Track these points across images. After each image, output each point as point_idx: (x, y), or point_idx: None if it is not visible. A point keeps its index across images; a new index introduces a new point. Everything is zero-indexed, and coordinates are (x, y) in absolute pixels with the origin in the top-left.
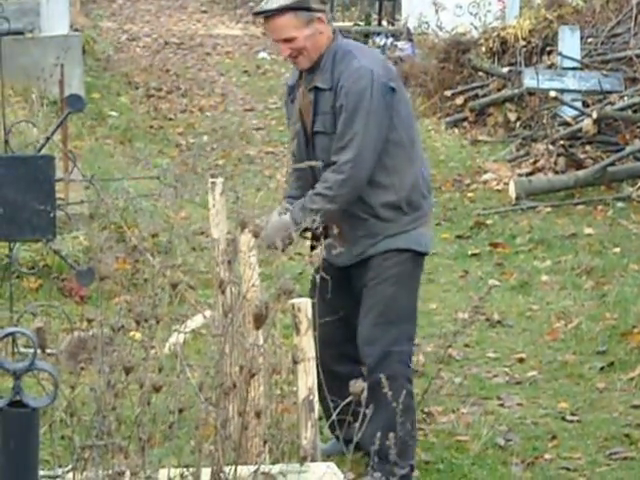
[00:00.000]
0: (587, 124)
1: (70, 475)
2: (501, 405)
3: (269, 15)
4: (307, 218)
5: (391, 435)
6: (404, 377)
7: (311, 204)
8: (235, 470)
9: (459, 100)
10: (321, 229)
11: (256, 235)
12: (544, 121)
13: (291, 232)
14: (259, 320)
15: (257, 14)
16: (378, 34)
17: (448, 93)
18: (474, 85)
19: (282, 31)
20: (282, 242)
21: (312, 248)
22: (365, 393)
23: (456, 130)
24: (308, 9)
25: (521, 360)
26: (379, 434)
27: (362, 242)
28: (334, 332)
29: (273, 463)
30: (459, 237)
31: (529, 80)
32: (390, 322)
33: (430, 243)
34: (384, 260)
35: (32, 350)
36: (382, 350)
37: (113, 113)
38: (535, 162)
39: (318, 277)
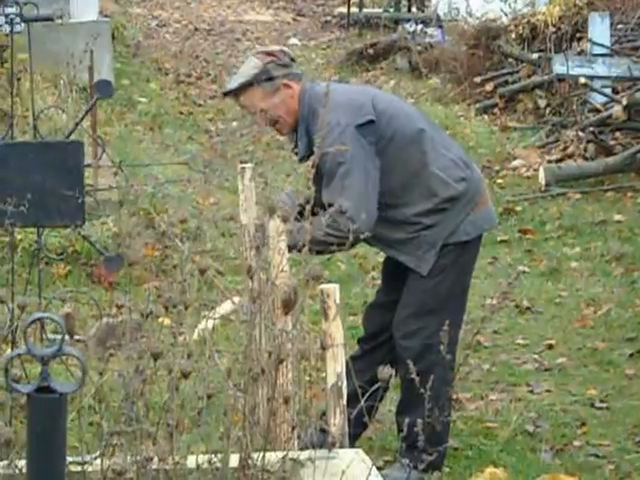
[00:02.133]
0: (617, 111)
1: (98, 461)
2: (530, 392)
3: (235, 93)
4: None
5: (423, 424)
6: (443, 367)
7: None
8: (263, 456)
9: (489, 86)
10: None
11: (285, 220)
12: (574, 108)
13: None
14: (288, 305)
15: (225, 94)
16: (408, 20)
17: (478, 79)
18: (504, 71)
19: (251, 106)
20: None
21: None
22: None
23: (486, 116)
24: (270, 79)
25: (550, 347)
26: (412, 422)
27: (426, 258)
28: (388, 315)
29: (301, 449)
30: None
31: (559, 67)
32: (430, 312)
33: (483, 223)
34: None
35: (60, 336)
36: (421, 343)
37: (142, 99)
38: (565, 149)
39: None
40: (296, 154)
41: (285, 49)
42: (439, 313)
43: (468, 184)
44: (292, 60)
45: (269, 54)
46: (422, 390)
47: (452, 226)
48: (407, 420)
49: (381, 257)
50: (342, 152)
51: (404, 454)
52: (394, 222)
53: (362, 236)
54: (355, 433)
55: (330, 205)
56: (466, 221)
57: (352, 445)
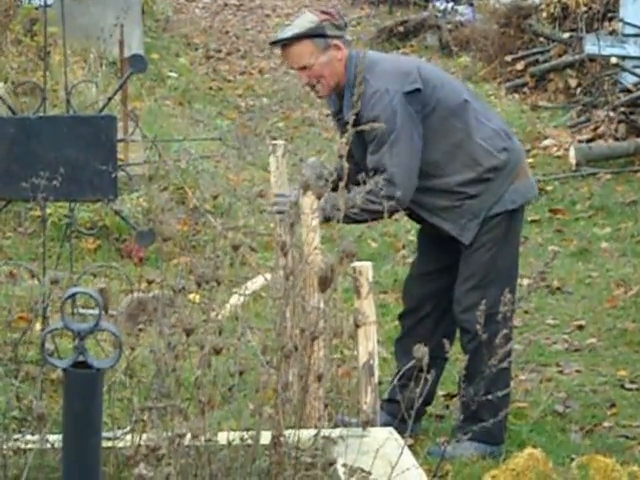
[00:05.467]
0: None
1: (129, 437)
2: (560, 372)
3: (285, 44)
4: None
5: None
6: (506, 336)
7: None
8: (296, 434)
9: (519, 65)
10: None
11: (319, 197)
12: (605, 88)
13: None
14: (325, 283)
15: (273, 43)
16: None
17: (508, 58)
18: (535, 50)
19: (298, 59)
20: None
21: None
22: (426, 359)
23: (516, 95)
24: (324, 36)
25: (580, 327)
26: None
27: (469, 227)
28: (430, 286)
29: (333, 427)
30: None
31: (590, 46)
32: (490, 283)
33: (528, 191)
34: (479, 228)
35: (91, 311)
36: (484, 314)
37: (172, 74)
38: (595, 128)
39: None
40: (338, 119)
41: (341, 12)
42: (498, 283)
43: (510, 154)
44: (345, 25)
45: (326, 12)
46: (485, 360)
47: (495, 196)
48: (470, 390)
49: (412, 235)
50: (392, 119)
51: (464, 425)
52: (438, 191)
53: (402, 205)
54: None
55: (375, 171)
56: (510, 190)
57: (419, 422)
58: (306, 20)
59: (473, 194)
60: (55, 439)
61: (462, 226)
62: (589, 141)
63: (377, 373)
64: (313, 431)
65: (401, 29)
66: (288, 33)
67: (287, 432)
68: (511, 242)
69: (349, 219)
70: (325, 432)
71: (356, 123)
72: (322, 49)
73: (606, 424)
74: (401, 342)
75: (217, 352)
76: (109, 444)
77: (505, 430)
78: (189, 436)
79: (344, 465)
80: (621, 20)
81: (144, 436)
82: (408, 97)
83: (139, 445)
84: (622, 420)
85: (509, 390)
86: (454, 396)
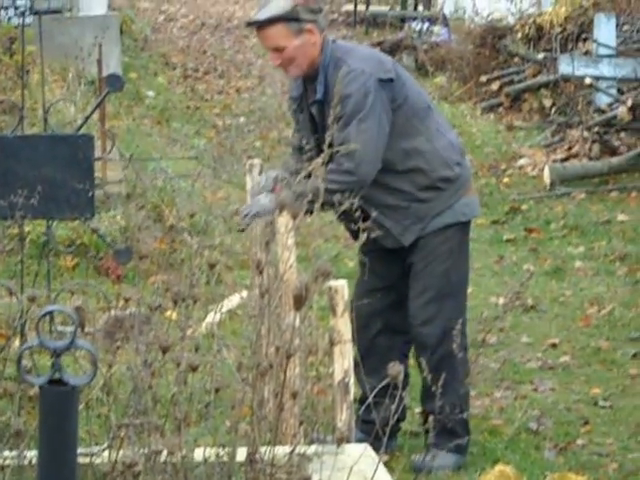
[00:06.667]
0: (622, 111)
1: (106, 453)
2: (534, 390)
3: (260, 25)
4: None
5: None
6: (464, 349)
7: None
8: (271, 450)
9: (495, 85)
10: (360, 213)
11: (294, 217)
12: (579, 108)
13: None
14: (299, 301)
15: (249, 25)
16: (414, 19)
17: (484, 78)
18: (510, 71)
19: (272, 41)
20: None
21: (352, 232)
22: (402, 376)
23: (492, 115)
24: (297, 20)
25: (554, 345)
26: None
27: (412, 229)
28: (378, 303)
29: (309, 444)
30: (494, 222)
31: (564, 67)
32: (446, 296)
33: (475, 207)
34: (432, 239)
35: (69, 328)
36: (442, 328)
37: (150, 93)
38: (570, 148)
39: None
40: (298, 105)
41: None
42: (453, 296)
43: (462, 170)
44: (320, 10)
45: None
46: (449, 373)
47: (444, 205)
48: (442, 405)
49: None
50: (364, 99)
51: (438, 439)
52: (389, 187)
53: (362, 181)
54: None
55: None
56: (461, 202)
57: (394, 438)
58: (280, 3)
59: (422, 199)
60: (33, 455)
61: (405, 227)
62: (563, 161)
63: (352, 391)
64: (288, 448)
65: (378, 49)
66: (262, 16)
67: (263, 449)
68: (464, 256)
69: (321, 205)
70: (300, 449)
71: (326, 104)
72: (295, 33)
73: (579, 442)
74: (362, 363)
75: (193, 369)
76: (86, 460)
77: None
78: (165, 452)
79: None
80: (595, 41)
81: (121, 452)
82: (382, 84)
83: (116, 461)
84: (595, 438)
85: (468, 392)
86: (430, 413)
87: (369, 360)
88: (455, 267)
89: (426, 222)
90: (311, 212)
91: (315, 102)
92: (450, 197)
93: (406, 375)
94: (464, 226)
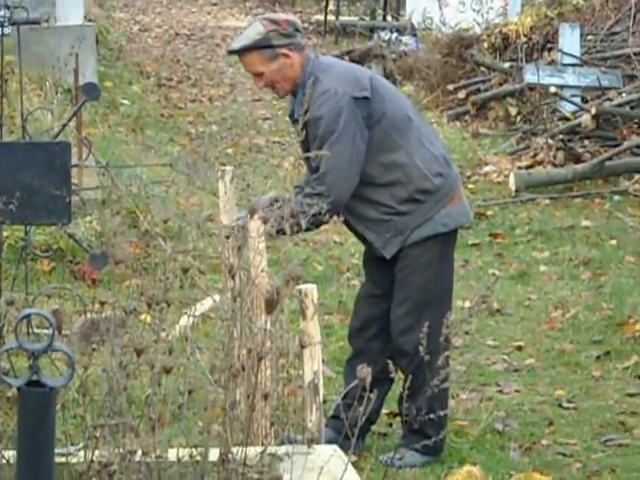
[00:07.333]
0: (586, 119)
1: (82, 453)
2: (500, 392)
3: (237, 53)
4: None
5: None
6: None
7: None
8: (243, 451)
9: (461, 94)
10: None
11: (265, 222)
12: (544, 116)
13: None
14: (271, 305)
15: (229, 53)
16: (383, 29)
17: (451, 87)
18: (476, 80)
19: (250, 67)
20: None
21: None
22: (369, 378)
23: (458, 123)
24: (271, 46)
25: (519, 348)
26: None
27: (393, 242)
28: (376, 308)
29: (280, 444)
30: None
31: (530, 76)
32: (425, 306)
33: (460, 216)
34: (412, 250)
35: (46, 331)
36: (420, 336)
37: (125, 101)
38: (535, 155)
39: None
40: (292, 118)
41: (291, 19)
42: (433, 306)
43: (444, 180)
44: (297, 30)
45: (274, 22)
46: (425, 379)
47: (423, 218)
48: (413, 407)
49: (356, 259)
50: (336, 120)
51: (408, 440)
52: (369, 200)
53: (335, 205)
54: (363, 429)
55: (317, 169)
56: (442, 213)
57: (362, 439)
58: (253, 32)
59: (402, 211)
60: (11, 455)
61: (386, 240)
62: (528, 168)
63: (322, 392)
64: (260, 448)
65: (347, 58)
66: (237, 45)
67: (235, 449)
68: (445, 266)
69: (297, 226)
70: (271, 449)
71: (306, 123)
72: (270, 58)
73: (544, 442)
74: (351, 363)
75: (167, 371)
76: (63, 460)
77: (444, 441)
78: (140, 452)
79: None
80: (560, 50)
81: (97, 452)
82: (356, 102)
83: (92, 461)
84: (560, 438)
85: (448, 407)
86: (397, 414)
87: (358, 360)
88: (436, 277)
89: (406, 235)
90: (284, 232)
91: (295, 121)
92: (430, 209)
93: (391, 380)
94: (445, 237)
